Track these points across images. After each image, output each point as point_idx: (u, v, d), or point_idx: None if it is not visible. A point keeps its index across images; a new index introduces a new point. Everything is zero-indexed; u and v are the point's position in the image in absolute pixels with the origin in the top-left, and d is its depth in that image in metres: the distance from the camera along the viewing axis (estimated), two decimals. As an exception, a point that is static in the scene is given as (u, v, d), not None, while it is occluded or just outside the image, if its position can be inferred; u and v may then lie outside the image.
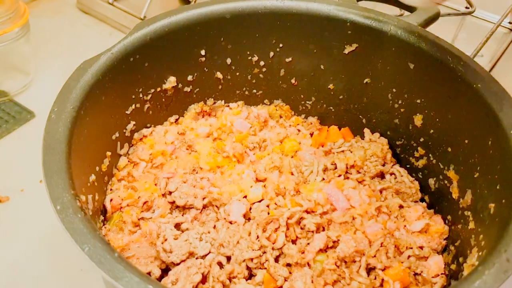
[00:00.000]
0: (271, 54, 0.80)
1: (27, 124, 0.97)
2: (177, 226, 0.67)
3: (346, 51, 0.76)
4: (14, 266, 0.75)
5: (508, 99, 0.59)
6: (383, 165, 0.76)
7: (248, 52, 0.79)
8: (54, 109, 0.54)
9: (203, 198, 0.70)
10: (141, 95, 0.71)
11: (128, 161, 0.73)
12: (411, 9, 0.79)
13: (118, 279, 0.39)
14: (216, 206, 0.71)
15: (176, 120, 0.81)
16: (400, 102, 0.75)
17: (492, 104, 0.60)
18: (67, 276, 0.75)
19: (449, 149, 0.69)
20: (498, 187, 0.57)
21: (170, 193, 0.70)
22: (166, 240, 0.61)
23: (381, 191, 0.74)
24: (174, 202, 0.70)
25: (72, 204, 0.45)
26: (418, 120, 0.74)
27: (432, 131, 0.72)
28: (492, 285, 0.42)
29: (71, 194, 0.46)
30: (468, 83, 0.64)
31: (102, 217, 0.66)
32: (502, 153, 0.57)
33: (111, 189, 0.69)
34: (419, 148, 0.75)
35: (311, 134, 0.85)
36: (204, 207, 0.70)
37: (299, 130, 0.86)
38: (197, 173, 0.75)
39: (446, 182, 0.71)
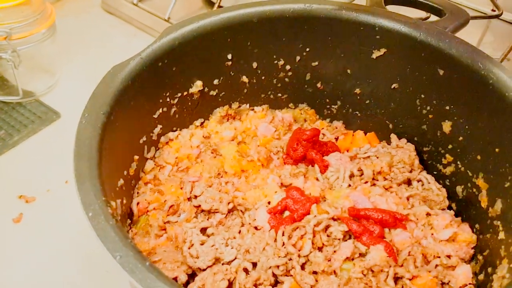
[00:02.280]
0: (297, 58, 0.79)
1: (53, 124, 0.98)
2: (203, 230, 0.67)
3: (374, 56, 0.75)
4: (40, 266, 0.76)
5: (543, 109, 0.58)
6: (410, 172, 0.75)
7: (274, 56, 0.79)
8: (85, 114, 0.54)
9: (228, 203, 0.70)
10: (168, 99, 0.71)
11: (155, 165, 0.73)
12: (440, 13, 0.78)
13: (151, 289, 0.40)
14: (241, 211, 0.71)
15: (202, 123, 0.81)
16: (428, 108, 0.74)
17: (525, 113, 0.59)
18: (92, 277, 0.75)
19: (479, 157, 0.68)
20: (532, 199, 0.55)
21: (196, 197, 0.71)
22: (192, 245, 0.61)
23: (408, 198, 0.73)
24: (199, 206, 0.70)
25: (104, 211, 0.45)
26: (447, 127, 0.72)
27: (461, 138, 0.71)
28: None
29: (103, 200, 0.46)
30: (499, 91, 0.63)
31: (129, 220, 0.66)
32: (536, 164, 0.56)
33: (138, 193, 0.70)
34: (447, 155, 0.74)
35: (336, 139, 0.84)
36: (229, 211, 0.70)
37: (324, 135, 0.85)
38: (222, 177, 0.75)
39: (474, 190, 0.69)
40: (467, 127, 0.69)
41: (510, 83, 0.62)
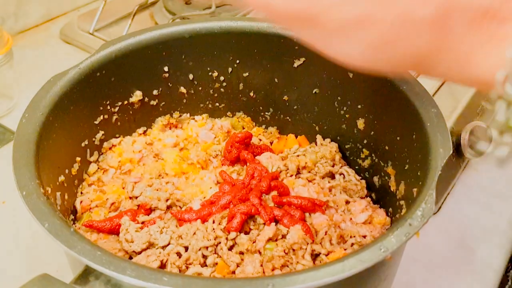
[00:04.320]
0: (230, 69, 0.88)
1: (10, 143, 1.05)
2: (142, 224, 0.74)
3: (295, 65, 0.85)
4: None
5: (427, 97, 0.68)
6: (333, 166, 0.84)
7: (208, 68, 0.87)
8: (25, 115, 0.61)
9: (167, 200, 0.77)
10: (108, 107, 0.79)
11: (98, 168, 0.80)
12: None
13: (73, 248, 0.46)
14: (180, 207, 0.78)
15: (144, 131, 0.88)
16: (345, 108, 0.83)
17: (414, 102, 0.68)
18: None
19: (387, 148, 0.77)
20: (419, 173, 0.64)
21: (136, 197, 0.78)
22: (128, 232, 0.68)
23: (330, 189, 0.81)
24: (139, 205, 0.77)
25: (36, 191, 0.52)
26: (360, 124, 0.82)
27: (372, 132, 0.80)
28: (394, 245, 0.49)
29: (36, 183, 0.53)
30: (397, 87, 0.72)
31: (72, 217, 0.73)
32: (422, 143, 0.65)
33: (81, 193, 0.76)
34: (363, 150, 0.83)
35: (271, 143, 0.93)
36: (168, 207, 0.77)
37: (260, 140, 0.93)
38: (162, 178, 0.82)
39: (386, 177, 0.78)
40: (375, 122, 0.79)
41: (403, 78, 0.72)
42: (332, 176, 0.84)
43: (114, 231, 0.72)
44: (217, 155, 0.88)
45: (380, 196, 0.81)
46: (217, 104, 0.93)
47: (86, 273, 0.47)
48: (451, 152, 0.59)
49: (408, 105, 0.70)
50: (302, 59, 0.84)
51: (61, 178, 0.67)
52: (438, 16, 0.31)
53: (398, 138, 0.73)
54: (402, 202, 0.72)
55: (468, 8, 0.30)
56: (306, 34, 0.35)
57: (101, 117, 0.78)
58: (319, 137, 0.89)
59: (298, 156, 0.86)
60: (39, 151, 0.58)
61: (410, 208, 0.55)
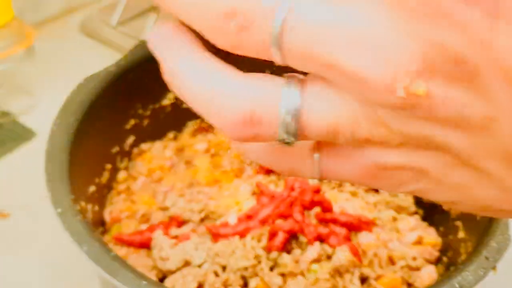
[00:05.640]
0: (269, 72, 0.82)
1: (30, 142, 1.00)
2: (175, 238, 0.68)
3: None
4: (14, 281, 0.76)
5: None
6: (377, 179, 0.78)
7: (244, 71, 0.82)
8: (57, 121, 0.56)
9: (200, 212, 0.72)
10: (140, 111, 0.74)
11: (128, 175, 0.75)
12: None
13: (114, 275, 0.41)
14: (214, 219, 0.72)
15: (175, 136, 0.83)
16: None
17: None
18: (66, 290, 0.76)
19: (440, 162, 0.71)
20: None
21: (168, 208, 0.73)
22: (163, 249, 0.63)
23: (375, 205, 0.75)
24: (171, 216, 0.72)
25: (72, 208, 0.47)
26: (409, 135, 0.76)
27: (423, 145, 0.74)
28: (472, 282, 0.43)
29: (71, 199, 0.48)
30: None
31: (102, 228, 0.68)
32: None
33: (110, 202, 0.71)
34: (411, 162, 0.77)
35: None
36: (202, 220, 0.72)
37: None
38: (194, 187, 0.77)
39: (437, 194, 0.72)
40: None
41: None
42: (376, 189, 0.78)
43: (145, 245, 0.67)
44: (251, 162, 0.83)
45: (429, 213, 0.75)
46: (251, 108, 0.87)
47: (127, 303, 0.42)
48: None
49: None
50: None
51: (92, 188, 0.62)
52: None
53: (455, 153, 0.67)
54: (458, 223, 0.66)
55: None
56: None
57: (133, 121, 0.73)
58: (361, 147, 0.83)
59: (338, 166, 0.80)
60: (72, 162, 0.53)
61: (482, 237, 0.50)
